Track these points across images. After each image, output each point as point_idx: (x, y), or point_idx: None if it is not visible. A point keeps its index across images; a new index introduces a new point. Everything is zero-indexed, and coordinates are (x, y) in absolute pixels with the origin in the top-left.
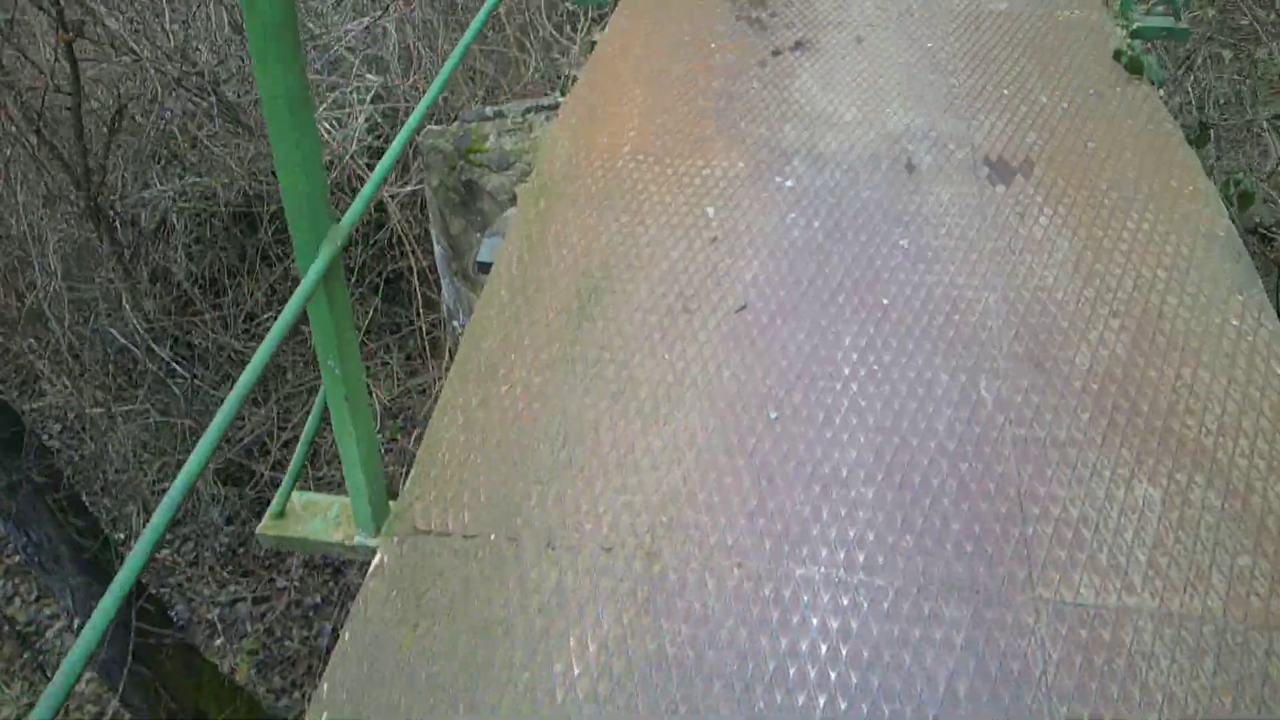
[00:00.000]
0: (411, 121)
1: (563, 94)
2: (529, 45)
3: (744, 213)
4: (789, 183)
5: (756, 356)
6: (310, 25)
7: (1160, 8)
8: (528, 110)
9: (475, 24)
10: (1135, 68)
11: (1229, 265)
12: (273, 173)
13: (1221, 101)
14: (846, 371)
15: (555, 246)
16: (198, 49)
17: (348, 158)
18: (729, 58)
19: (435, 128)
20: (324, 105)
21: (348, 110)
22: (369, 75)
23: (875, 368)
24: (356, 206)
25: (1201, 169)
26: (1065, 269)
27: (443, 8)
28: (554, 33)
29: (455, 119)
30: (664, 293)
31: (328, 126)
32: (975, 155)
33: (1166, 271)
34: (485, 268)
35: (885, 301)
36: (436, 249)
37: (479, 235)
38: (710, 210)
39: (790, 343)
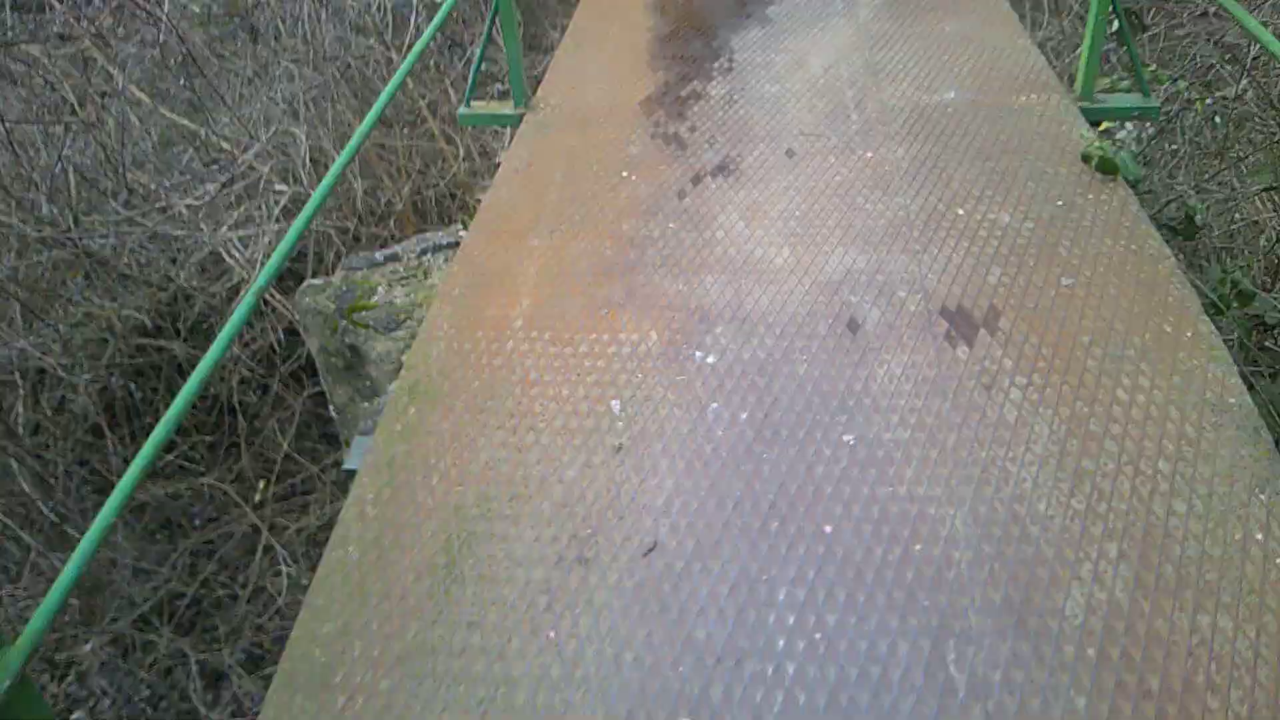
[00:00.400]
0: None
1: (465, 226)
2: (455, 136)
3: (656, 406)
4: (710, 358)
5: (667, 630)
6: (216, 139)
7: (1125, 82)
8: (424, 251)
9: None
10: (1108, 168)
11: (1245, 450)
12: (173, 309)
13: (1201, 172)
14: (781, 645)
15: (423, 474)
16: (50, 205)
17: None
18: (643, 189)
19: (316, 282)
20: (227, 225)
21: (259, 227)
22: (279, 186)
23: (817, 635)
24: (38, 624)
25: (1199, 304)
26: (1047, 468)
27: (357, 108)
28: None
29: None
30: (555, 535)
31: (234, 251)
32: (930, 304)
33: (1170, 464)
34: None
35: (828, 529)
36: (331, 408)
37: (366, 405)
38: (616, 405)
39: (710, 604)
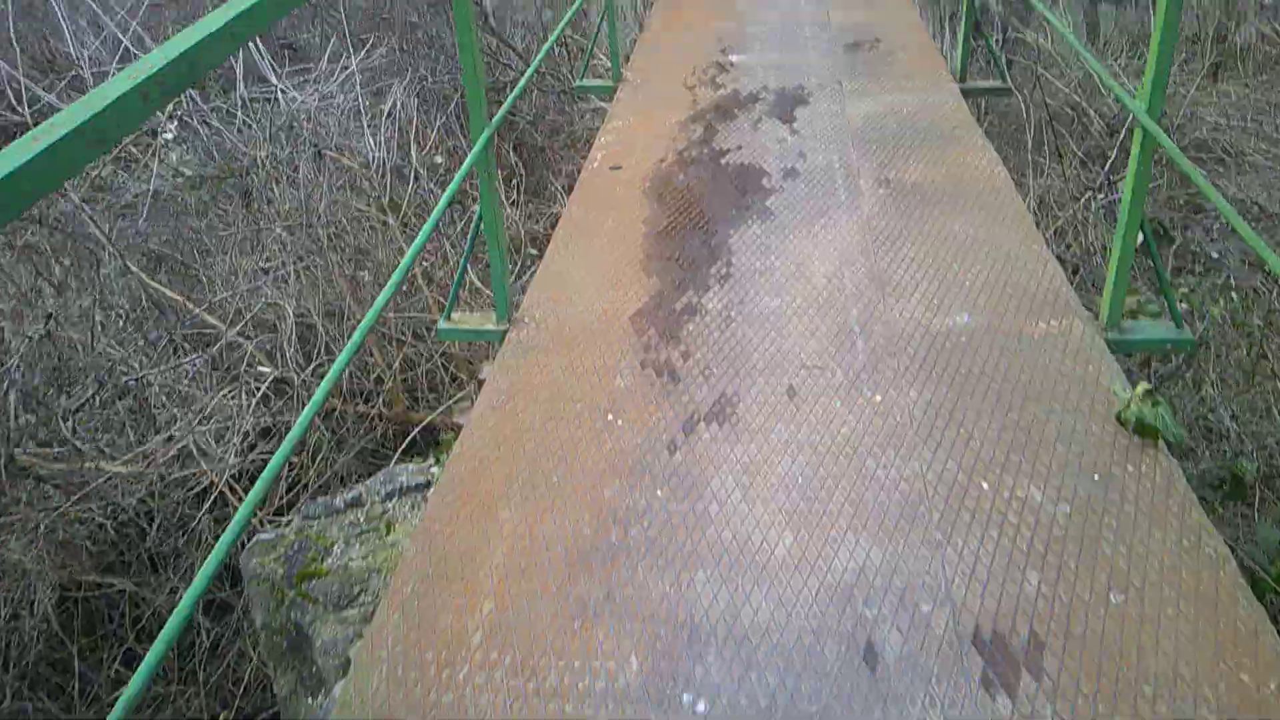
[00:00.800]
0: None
1: (438, 461)
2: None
3: None
4: (700, 705)
5: None
6: (201, 312)
7: (1152, 305)
8: (390, 495)
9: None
10: (1146, 431)
11: None
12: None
13: (1228, 387)
14: None
15: None
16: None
17: (222, 484)
18: (629, 439)
19: (265, 537)
20: (199, 419)
21: (234, 419)
22: (263, 366)
23: None
24: None
25: (1275, 635)
26: None
27: (349, 272)
28: (477, 283)
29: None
30: None
31: (206, 445)
32: (958, 622)
33: None
34: None
35: None
36: (276, 697)
37: (310, 701)
38: None
39: None
